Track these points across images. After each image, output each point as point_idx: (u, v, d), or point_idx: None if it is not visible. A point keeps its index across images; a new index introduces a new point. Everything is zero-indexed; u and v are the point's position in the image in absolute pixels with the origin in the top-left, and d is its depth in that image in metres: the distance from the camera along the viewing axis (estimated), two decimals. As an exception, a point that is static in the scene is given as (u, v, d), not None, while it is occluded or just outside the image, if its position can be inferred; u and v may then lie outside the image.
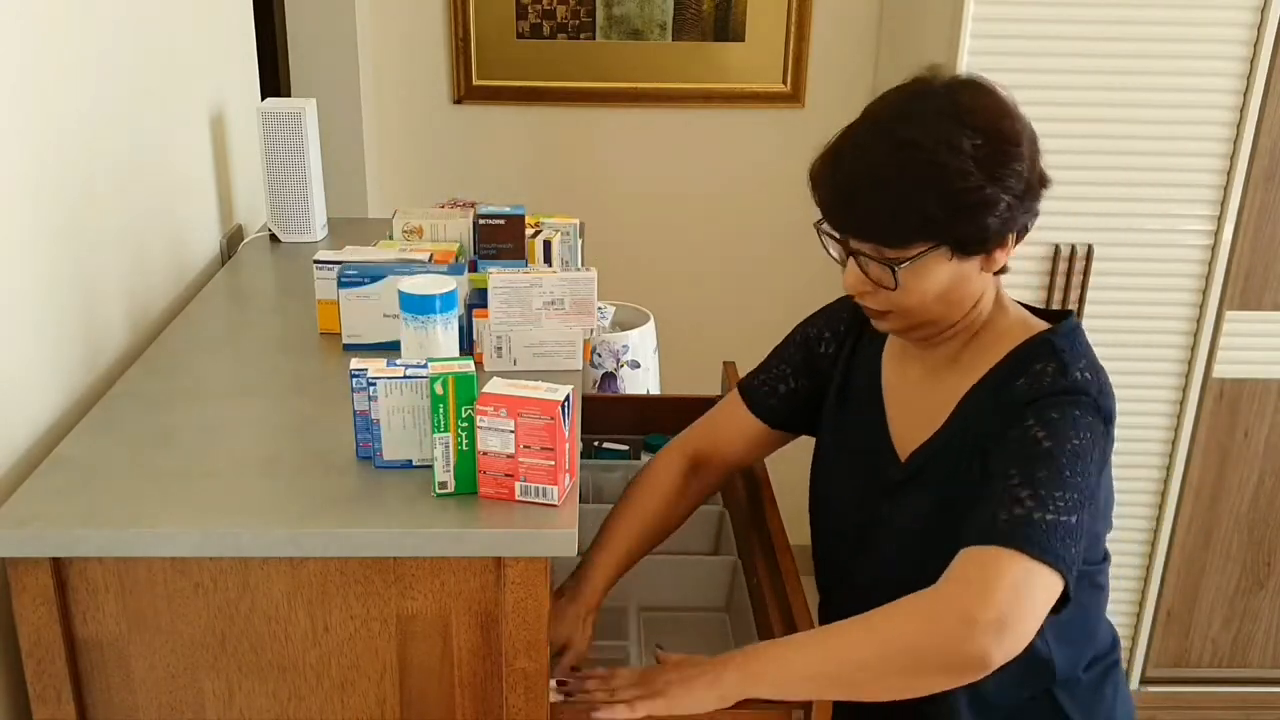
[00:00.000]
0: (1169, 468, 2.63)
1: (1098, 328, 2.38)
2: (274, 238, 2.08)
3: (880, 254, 1.26)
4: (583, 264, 1.81)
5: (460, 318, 1.42)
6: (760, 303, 3.00)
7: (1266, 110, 2.35)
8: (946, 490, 1.32)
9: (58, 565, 1.20)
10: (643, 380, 2.35)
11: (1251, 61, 2.32)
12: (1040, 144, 1.29)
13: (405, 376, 1.27)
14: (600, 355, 2.30)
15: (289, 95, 2.71)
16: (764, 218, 3.03)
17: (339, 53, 2.68)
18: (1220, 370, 2.54)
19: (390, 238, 1.79)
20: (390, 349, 1.42)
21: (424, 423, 1.28)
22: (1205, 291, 2.49)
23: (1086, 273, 2.43)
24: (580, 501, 1.28)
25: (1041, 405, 1.26)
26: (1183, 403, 2.58)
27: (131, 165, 1.69)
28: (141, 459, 1.33)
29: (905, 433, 1.40)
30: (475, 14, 2.84)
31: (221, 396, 1.49)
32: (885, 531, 1.39)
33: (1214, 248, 2.46)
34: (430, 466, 1.26)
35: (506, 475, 1.24)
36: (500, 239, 1.68)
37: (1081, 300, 2.43)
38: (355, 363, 1.30)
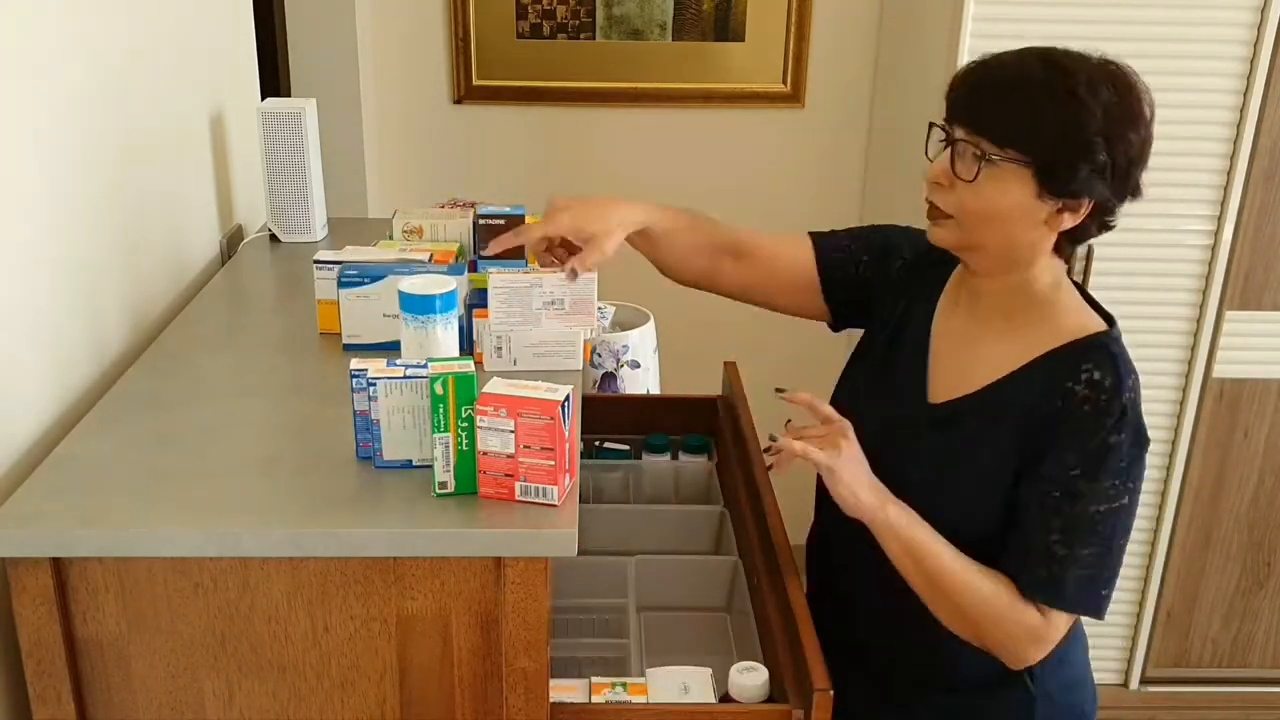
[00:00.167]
0: (1169, 468, 2.63)
1: (1098, 328, 2.38)
2: (274, 238, 2.08)
3: (978, 145, 1.30)
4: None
5: (460, 318, 1.42)
6: (760, 303, 3.00)
7: (1266, 110, 2.35)
8: (967, 448, 1.39)
9: (58, 565, 1.20)
10: (643, 380, 2.35)
11: (1251, 61, 2.32)
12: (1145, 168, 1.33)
13: (405, 376, 1.27)
14: (600, 355, 2.30)
15: (289, 95, 2.70)
16: (764, 218, 3.01)
17: (339, 53, 2.68)
18: (1220, 370, 2.54)
19: (390, 238, 1.79)
20: (390, 349, 1.42)
21: (424, 423, 1.28)
22: (1205, 291, 2.49)
23: (1086, 272, 2.43)
24: (580, 501, 1.27)
25: (1094, 449, 1.31)
26: (1183, 403, 2.58)
27: (131, 165, 1.69)
28: (141, 459, 1.33)
29: (942, 380, 1.45)
30: (475, 14, 2.84)
31: (221, 396, 1.49)
32: (894, 469, 1.40)
33: (1214, 248, 2.46)
34: (430, 466, 1.26)
35: (506, 475, 1.24)
36: (500, 239, 1.68)
37: (1081, 300, 2.44)
38: (355, 363, 1.30)
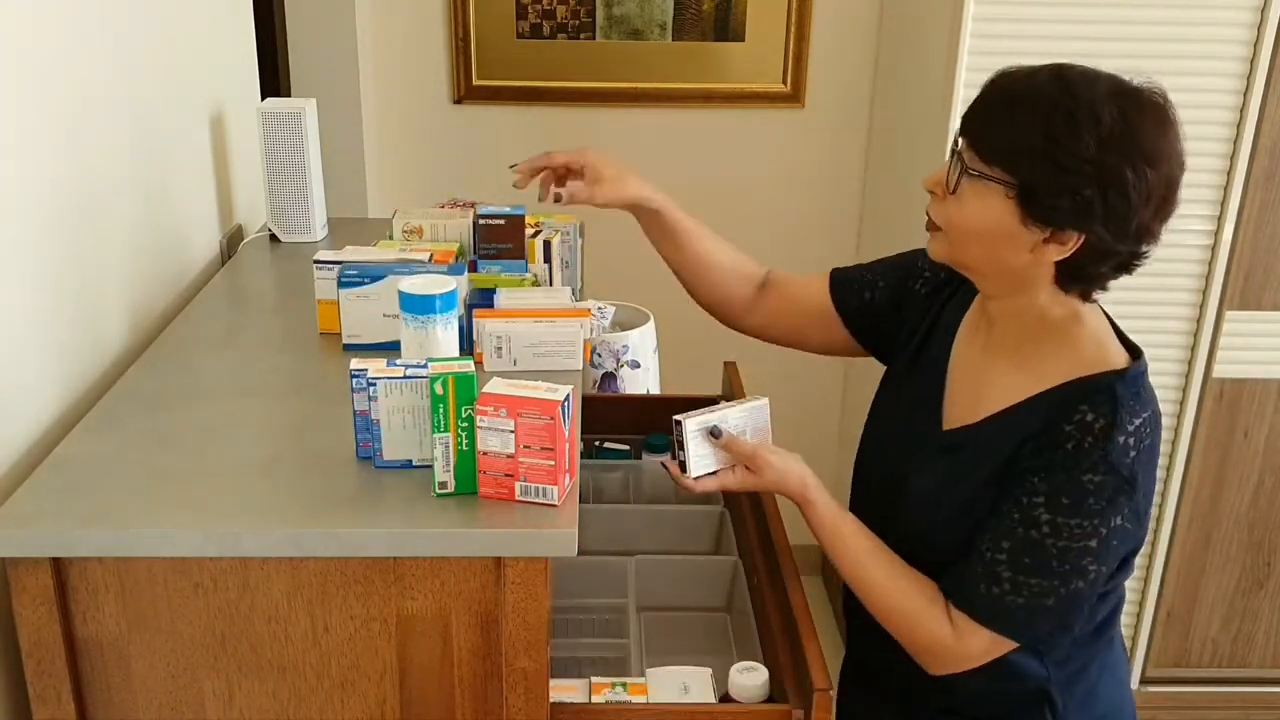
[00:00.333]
0: (1169, 468, 2.63)
1: (1098, 328, 2.38)
2: (274, 238, 2.08)
3: (966, 155, 1.26)
4: (582, 264, 1.81)
5: (460, 318, 1.42)
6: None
7: (1266, 110, 2.35)
8: (964, 474, 1.36)
9: (58, 565, 1.20)
10: (643, 380, 2.35)
11: (1251, 61, 2.32)
12: (1175, 208, 1.27)
13: (405, 376, 1.27)
14: (600, 355, 2.30)
15: (289, 95, 2.70)
16: (764, 218, 3.03)
17: (339, 53, 2.67)
18: (1220, 370, 2.54)
19: (390, 238, 1.79)
20: (390, 349, 1.42)
21: (424, 423, 1.28)
22: (1205, 291, 2.49)
23: (1086, 273, 2.43)
24: (580, 501, 1.27)
25: (1063, 480, 1.26)
26: (1183, 403, 2.58)
27: (131, 165, 1.69)
28: (141, 459, 1.33)
29: (957, 406, 1.41)
30: (475, 14, 2.84)
31: (221, 396, 1.49)
32: (908, 486, 1.41)
33: (1214, 248, 2.46)
34: (430, 466, 1.26)
35: (506, 475, 1.24)
36: (500, 239, 1.68)
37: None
38: (355, 363, 1.30)
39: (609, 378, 2.31)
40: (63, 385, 1.46)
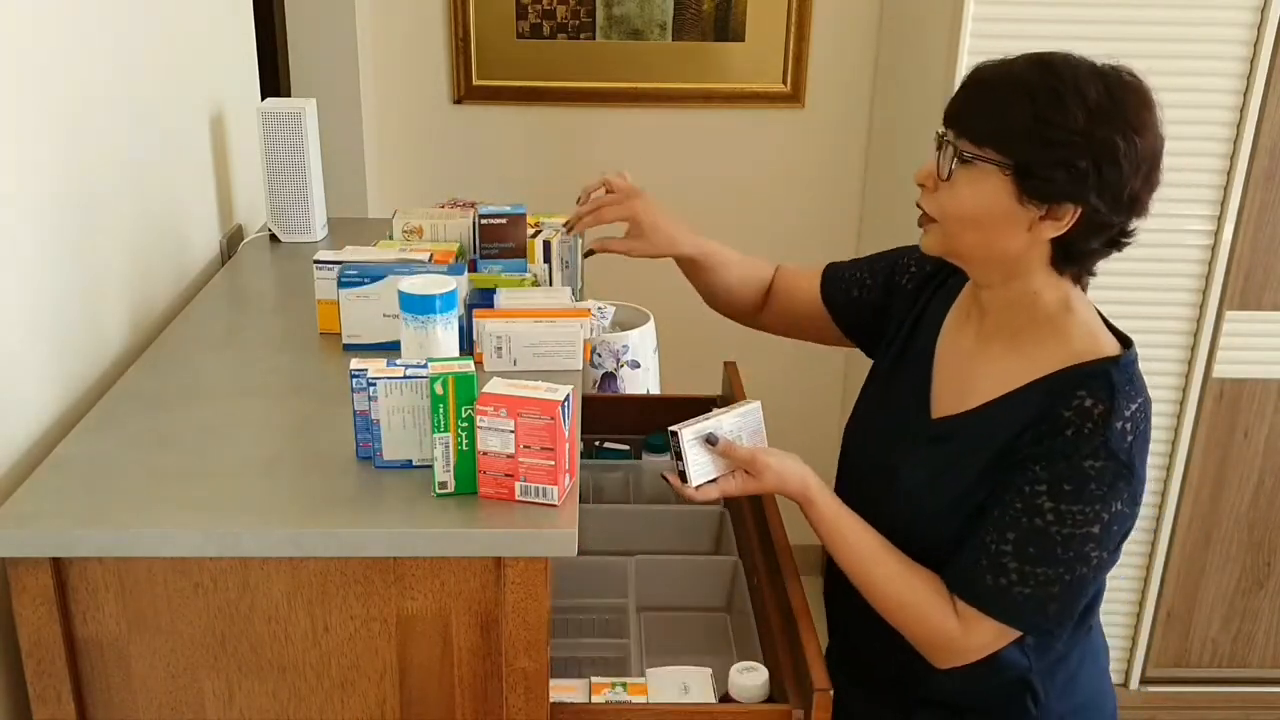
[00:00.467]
0: (1169, 468, 2.63)
1: (1098, 328, 2.38)
2: (274, 238, 2.08)
3: (957, 143, 1.28)
4: (582, 264, 1.81)
5: (460, 318, 1.42)
6: (760, 303, 3.00)
7: (1266, 110, 2.35)
8: (958, 462, 1.37)
9: (58, 565, 1.20)
10: (643, 380, 2.35)
11: (1251, 61, 2.32)
12: (1159, 181, 1.28)
13: (405, 376, 1.27)
14: (600, 355, 2.30)
15: (289, 95, 2.70)
16: (764, 218, 3.03)
17: (339, 53, 2.67)
18: (1220, 370, 2.54)
19: (390, 238, 1.79)
20: (390, 349, 1.42)
21: (424, 423, 1.28)
22: (1205, 291, 2.49)
23: (1086, 273, 2.43)
24: (580, 501, 1.27)
25: (1065, 467, 1.27)
26: (1183, 403, 2.58)
27: (131, 165, 1.69)
28: (141, 459, 1.33)
29: (945, 396, 1.43)
30: (475, 14, 2.84)
31: (221, 396, 1.49)
32: (897, 478, 1.42)
33: (1214, 248, 2.46)
34: (430, 466, 1.26)
35: (506, 475, 1.24)
36: (501, 238, 1.68)
37: (1081, 300, 2.44)
38: (355, 363, 1.30)
39: (609, 378, 2.32)
40: (63, 385, 1.46)
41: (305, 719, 1.28)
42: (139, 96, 1.72)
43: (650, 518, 1.80)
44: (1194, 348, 2.53)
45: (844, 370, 3.13)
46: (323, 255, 1.65)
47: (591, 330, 1.57)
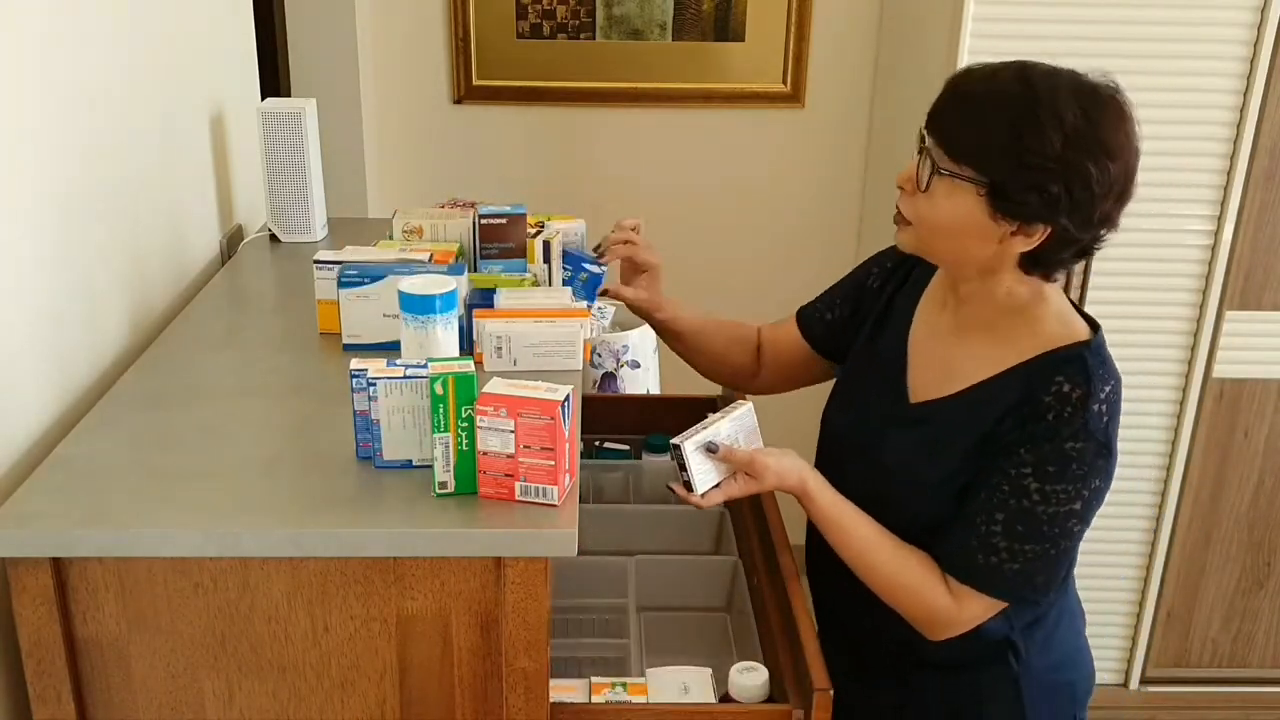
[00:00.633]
0: (1169, 468, 2.63)
1: (1098, 328, 2.38)
2: (274, 238, 2.08)
3: (935, 154, 1.32)
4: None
5: (460, 318, 1.42)
6: (760, 303, 2.99)
7: (1266, 110, 2.35)
8: (941, 447, 1.42)
9: (58, 565, 1.20)
10: (643, 380, 2.35)
11: (1251, 61, 2.32)
12: (1132, 195, 1.32)
13: (405, 376, 1.27)
14: (600, 355, 2.30)
15: (289, 95, 2.70)
16: (764, 218, 3.03)
17: (339, 53, 2.67)
18: (1220, 370, 2.54)
19: (390, 238, 1.79)
20: (390, 349, 1.42)
21: (424, 423, 1.28)
22: (1205, 291, 2.49)
23: (1086, 273, 2.43)
24: (580, 501, 1.27)
25: (1048, 450, 1.33)
26: (1183, 403, 2.58)
27: (131, 165, 1.69)
28: (141, 459, 1.33)
29: (921, 381, 1.48)
30: (475, 14, 2.84)
31: (221, 396, 1.49)
32: (879, 459, 1.47)
33: (1214, 248, 2.46)
34: (430, 466, 1.26)
35: (506, 475, 1.24)
36: (501, 238, 1.68)
37: (1081, 300, 2.43)
38: (355, 363, 1.30)
39: (609, 378, 2.32)
40: (62, 385, 1.46)
41: (305, 719, 1.28)
42: (139, 96, 1.72)
43: (650, 518, 1.80)
44: (1194, 348, 2.53)
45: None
46: (323, 255, 1.65)
47: (591, 330, 1.57)
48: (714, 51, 2.89)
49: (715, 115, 2.95)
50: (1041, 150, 1.25)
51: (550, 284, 1.71)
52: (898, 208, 1.39)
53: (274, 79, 2.68)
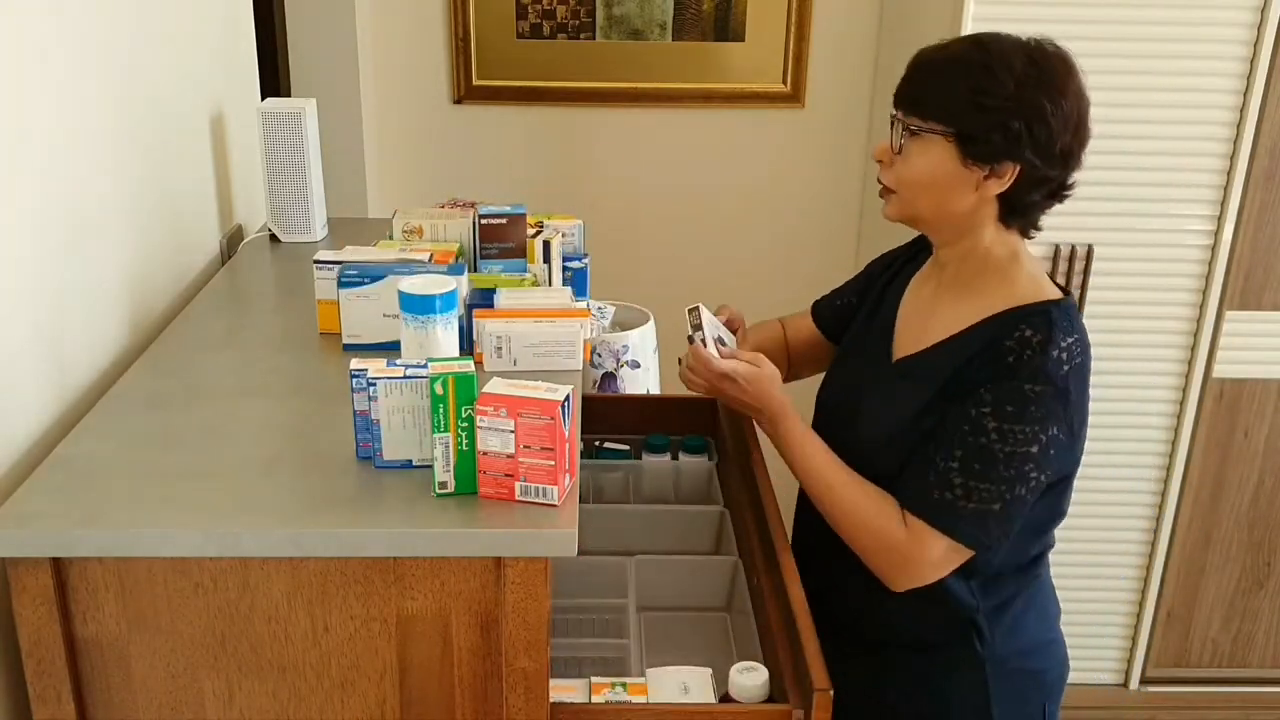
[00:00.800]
0: (1169, 468, 2.63)
1: (1098, 327, 2.36)
2: (274, 238, 2.08)
3: (906, 119, 1.44)
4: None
5: (460, 318, 1.42)
6: (760, 302, 2.99)
7: (1266, 110, 2.35)
8: (918, 392, 1.50)
9: (58, 565, 1.20)
10: (643, 380, 2.35)
11: (1251, 61, 2.32)
12: (1088, 136, 1.43)
13: (405, 376, 1.27)
14: (600, 355, 2.30)
15: (289, 95, 2.71)
16: (764, 217, 3.03)
17: (339, 53, 2.68)
18: (1220, 370, 2.54)
19: (390, 238, 1.79)
20: (390, 349, 1.42)
21: (424, 423, 1.28)
22: (1205, 291, 2.49)
23: (1087, 273, 2.43)
24: (580, 501, 1.27)
25: (1007, 390, 1.41)
26: (1183, 402, 2.58)
27: (131, 165, 1.69)
28: (141, 459, 1.33)
29: (905, 339, 1.58)
30: (475, 14, 2.84)
31: (221, 396, 1.49)
32: (860, 411, 1.57)
33: (1214, 248, 2.46)
34: (430, 466, 1.26)
35: (506, 475, 1.24)
36: (501, 238, 1.68)
37: (1082, 300, 2.43)
38: (355, 363, 1.30)
39: (609, 378, 2.31)
40: (62, 385, 1.46)
41: (305, 719, 1.28)
42: (139, 96, 1.72)
43: (650, 518, 1.80)
44: (1194, 348, 2.53)
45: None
46: (323, 255, 1.65)
47: (591, 330, 1.57)
48: (714, 51, 2.90)
49: (715, 115, 2.95)
50: (997, 92, 1.38)
51: (550, 284, 1.72)
52: (879, 180, 1.50)
53: (274, 79, 2.68)
